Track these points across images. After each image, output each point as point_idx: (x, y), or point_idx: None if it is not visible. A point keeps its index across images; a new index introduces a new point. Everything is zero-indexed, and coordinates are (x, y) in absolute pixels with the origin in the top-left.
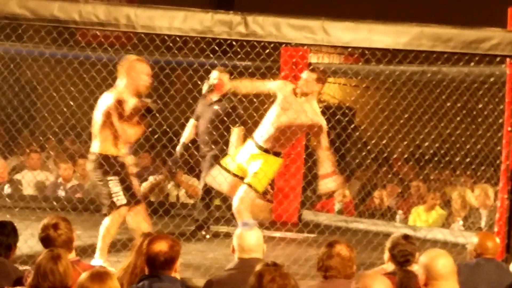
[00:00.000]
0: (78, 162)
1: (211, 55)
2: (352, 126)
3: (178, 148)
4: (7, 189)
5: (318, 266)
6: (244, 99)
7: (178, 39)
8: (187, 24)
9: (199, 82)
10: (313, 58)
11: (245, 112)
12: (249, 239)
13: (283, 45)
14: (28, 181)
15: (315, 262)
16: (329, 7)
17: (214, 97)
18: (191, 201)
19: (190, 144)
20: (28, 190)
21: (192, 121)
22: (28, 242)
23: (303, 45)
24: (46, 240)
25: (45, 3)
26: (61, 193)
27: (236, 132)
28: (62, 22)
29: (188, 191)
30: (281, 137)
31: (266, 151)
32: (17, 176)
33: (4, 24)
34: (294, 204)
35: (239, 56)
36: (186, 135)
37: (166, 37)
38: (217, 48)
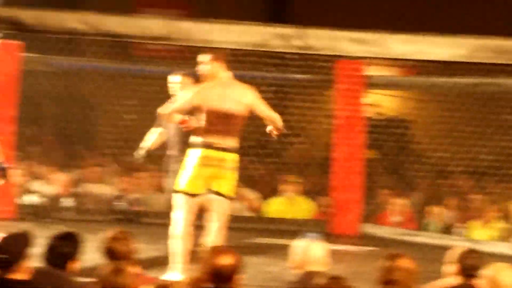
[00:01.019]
0: (137, 175)
1: (268, 68)
2: (412, 139)
3: (136, 153)
4: (68, 202)
5: (381, 280)
6: None
7: (235, 52)
8: (244, 38)
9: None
10: (369, 71)
11: None
12: (316, 252)
13: (340, 58)
14: (89, 194)
15: (376, 276)
16: (386, 20)
17: None
18: (252, 215)
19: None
20: (88, 203)
21: (155, 128)
22: (90, 255)
23: (360, 58)
24: (109, 252)
25: (104, 18)
26: (121, 206)
27: None
28: (121, 36)
29: (249, 205)
30: None
31: None
32: (78, 190)
33: (67, 39)
34: (356, 217)
35: (293, 69)
36: (150, 140)
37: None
38: (272, 61)
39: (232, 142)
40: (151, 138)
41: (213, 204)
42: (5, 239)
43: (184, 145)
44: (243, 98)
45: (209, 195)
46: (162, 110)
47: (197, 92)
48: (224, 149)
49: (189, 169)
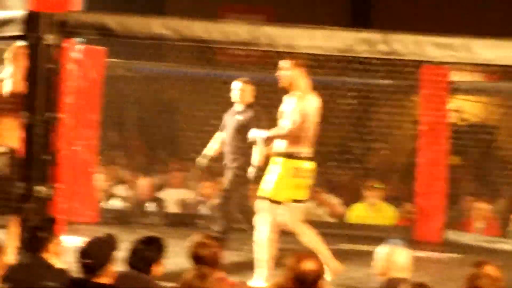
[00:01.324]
0: (219, 180)
1: (352, 73)
2: (496, 144)
3: (199, 159)
4: (151, 207)
5: (467, 287)
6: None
7: (319, 57)
8: (329, 43)
9: (340, 101)
10: (454, 76)
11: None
12: (400, 258)
13: (425, 63)
14: (171, 199)
15: (460, 283)
16: (471, 24)
17: (238, 107)
18: (334, 220)
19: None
20: (171, 207)
21: (218, 134)
22: (172, 259)
23: (445, 63)
24: (195, 257)
25: (188, 23)
26: (203, 210)
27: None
28: (205, 41)
29: (330, 211)
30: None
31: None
32: (161, 194)
33: (149, 44)
34: (438, 223)
35: (380, 75)
36: (212, 147)
37: (307, 56)
38: (358, 67)
39: (312, 151)
40: (213, 145)
41: (297, 212)
42: (90, 243)
43: (238, 154)
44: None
45: (293, 204)
46: (282, 130)
47: (301, 109)
48: (311, 159)
49: (278, 176)
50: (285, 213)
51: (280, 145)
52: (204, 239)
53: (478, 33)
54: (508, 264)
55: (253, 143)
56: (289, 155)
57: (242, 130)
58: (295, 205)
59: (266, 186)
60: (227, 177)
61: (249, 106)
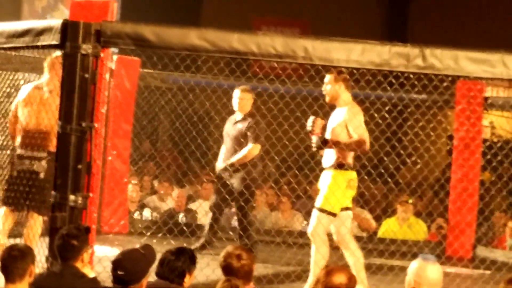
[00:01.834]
0: None
1: (388, 88)
2: None
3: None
4: (182, 218)
5: None
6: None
7: (355, 71)
8: (365, 57)
9: (375, 115)
10: (489, 92)
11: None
12: (432, 274)
13: (461, 79)
14: (203, 210)
15: None
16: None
17: (238, 116)
18: (365, 234)
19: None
20: (203, 219)
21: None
22: (203, 271)
23: (481, 78)
24: (227, 269)
25: (224, 35)
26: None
27: (252, 149)
28: (241, 53)
29: (362, 225)
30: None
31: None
32: (192, 206)
33: (184, 55)
34: (470, 239)
35: (416, 89)
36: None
37: (343, 70)
38: (394, 81)
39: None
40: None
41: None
42: (125, 254)
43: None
44: None
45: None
46: (364, 144)
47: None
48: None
49: (333, 189)
50: (340, 224)
51: (331, 157)
52: (237, 251)
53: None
54: None
55: None
56: (341, 166)
57: (241, 138)
58: (344, 213)
59: (322, 200)
60: (231, 184)
61: (249, 115)
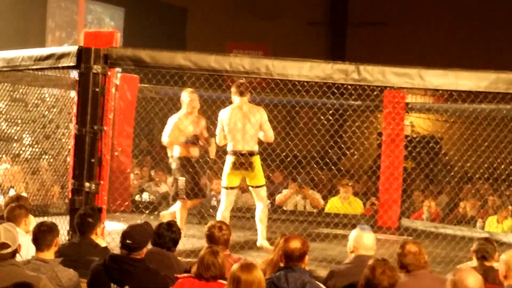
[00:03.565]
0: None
1: (331, 96)
2: (442, 152)
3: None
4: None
5: (398, 264)
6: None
7: (305, 83)
8: (312, 72)
9: (321, 117)
10: (409, 98)
11: None
12: (367, 240)
13: (387, 88)
14: None
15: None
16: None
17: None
18: (315, 210)
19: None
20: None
21: None
22: (190, 240)
23: (403, 88)
24: (210, 237)
25: (204, 57)
26: (214, 203)
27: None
28: (217, 71)
29: (313, 203)
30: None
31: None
32: None
33: (173, 73)
34: (396, 213)
35: (353, 97)
36: None
37: (296, 82)
38: (335, 91)
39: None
40: None
41: None
42: (132, 227)
43: None
44: None
45: None
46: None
47: None
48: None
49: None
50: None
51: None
52: (218, 224)
53: (430, 63)
54: (451, 245)
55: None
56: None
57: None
58: None
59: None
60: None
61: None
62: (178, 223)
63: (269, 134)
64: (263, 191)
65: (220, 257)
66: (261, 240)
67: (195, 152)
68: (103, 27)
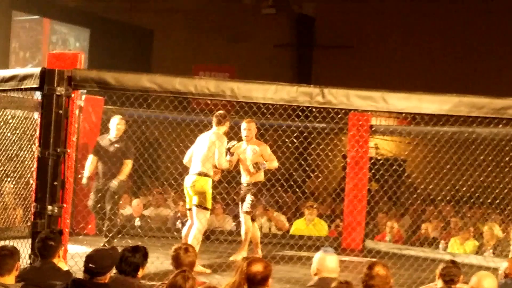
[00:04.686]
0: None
1: (296, 119)
2: (405, 174)
3: (84, 180)
4: (137, 222)
5: (363, 285)
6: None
7: (270, 106)
8: (277, 95)
9: (286, 140)
10: (374, 121)
11: None
12: (330, 262)
13: (351, 111)
14: (154, 215)
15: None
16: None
17: (113, 138)
18: (280, 232)
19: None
20: (154, 223)
21: (91, 157)
22: (154, 263)
23: (367, 111)
24: (176, 259)
25: (169, 79)
26: (179, 225)
27: (128, 164)
28: (182, 93)
29: (277, 225)
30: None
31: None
32: (145, 212)
33: (138, 95)
34: (360, 235)
35: (317, 120)
36: (89, 168)
37: (261, 105)
38: (300, 113)
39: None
40: (88, 166)
41: None
42: (96, 251)
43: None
44: None
45: None
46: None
47: None
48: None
49: None
50: None
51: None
52: (184, 246)
53: (396, 86)
54: (414, 266)
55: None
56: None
57: (117, 155)
58: None
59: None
60: (108, 194)
61: (122, 137)
62: None
63: (219, 161)
64: (200, 214)
65: (190, 282)
66: None
67: None
68: (68, 48)
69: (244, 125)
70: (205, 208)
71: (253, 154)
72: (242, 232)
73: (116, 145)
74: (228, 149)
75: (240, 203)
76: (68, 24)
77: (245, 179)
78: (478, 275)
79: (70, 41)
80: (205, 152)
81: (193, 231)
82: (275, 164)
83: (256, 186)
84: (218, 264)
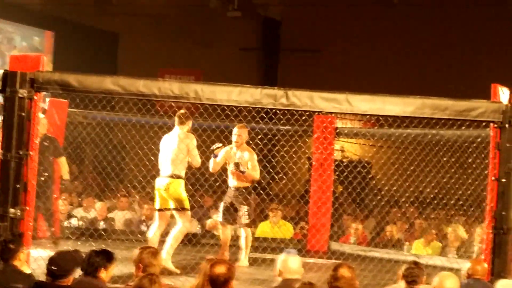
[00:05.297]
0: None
1: (260, 121)
2: (370, 176)
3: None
4: (102, 225)
5: (329, 287)
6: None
7: (234, 108)
8: (241, 97)
9: (250, 142)
10: (339, 123)
11: None
12: (293, 264)
13: (316, 113)
14: (118, 218)
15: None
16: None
17: (44, 136)
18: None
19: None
20: (118, 225)
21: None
22: (118, 266)
23: (331, 113)
24: (142, 264)
25: (133, 81)
26: (144, 228)
27: (63, 160)
28: (146, 95)
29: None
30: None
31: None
32: (110, 215)
33: (101, 97)
34: (324, 237)
35: (282, 122)
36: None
37: (225, 107)
38: (264, 116)
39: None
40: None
41: None
42: (58, 254)
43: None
44: None
45: None
46: None
47: None
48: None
49: None
50: None
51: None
52: (149, 249)
53: (363, 88)
54: (378, 268)
55: None
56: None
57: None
58: None
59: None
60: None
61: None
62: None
63: (195, 161)
64: (182, 216)
65: (157, 285)
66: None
67: None
68: (13, 47)
69: (235, 130)
70: (185, 209)
71: (241, 160)
72: (242, 242)
73: (45, 143)
74: (212, 150)
75: (229, 206)
76: (14, 23)
77: (232, 183)
78: (440, 276)
79: (16, 40)
80: (175, 153)
81: (175, 231)
82: (256, 175)
83: (244, 191)
84: (182, 266)
